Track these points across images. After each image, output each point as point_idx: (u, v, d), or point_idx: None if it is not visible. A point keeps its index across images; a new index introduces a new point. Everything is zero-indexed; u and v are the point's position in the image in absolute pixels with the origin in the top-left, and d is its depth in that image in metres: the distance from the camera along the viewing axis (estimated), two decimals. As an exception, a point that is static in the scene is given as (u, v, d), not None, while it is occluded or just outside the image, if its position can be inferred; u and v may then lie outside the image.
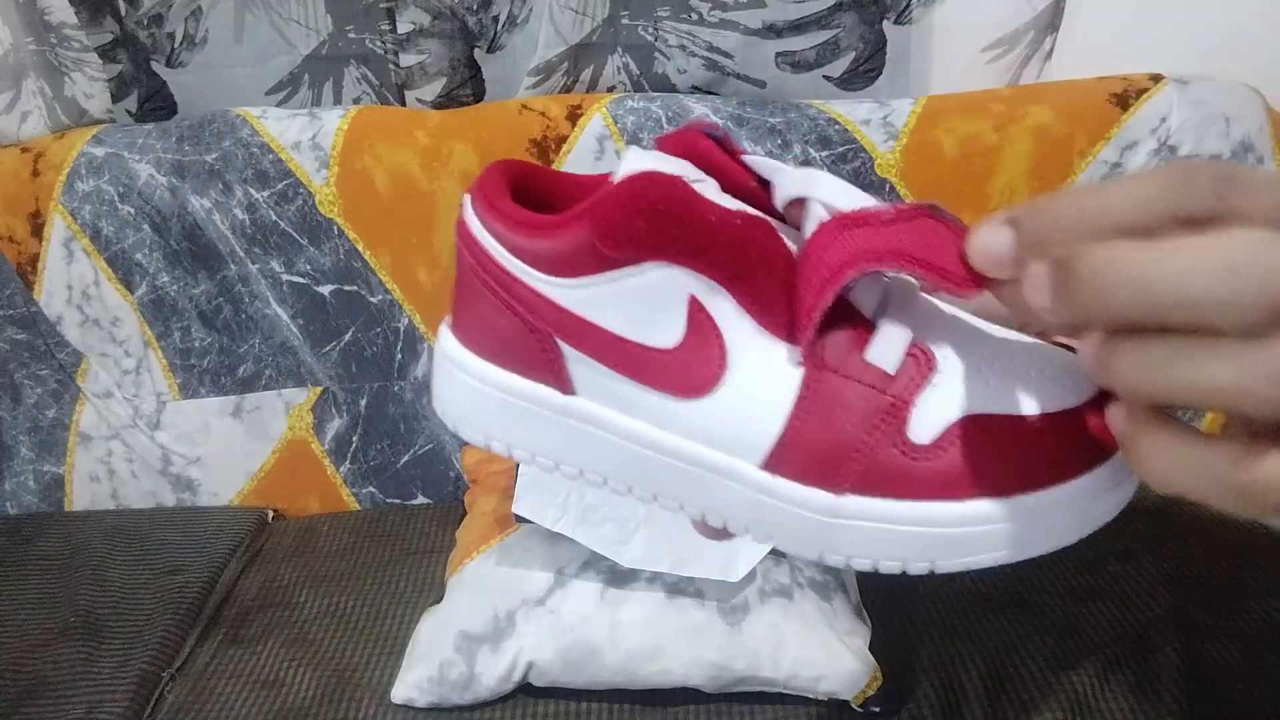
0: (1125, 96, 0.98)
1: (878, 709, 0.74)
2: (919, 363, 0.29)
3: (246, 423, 1.08)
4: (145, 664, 0.83)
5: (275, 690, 0.81)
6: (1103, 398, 0.28)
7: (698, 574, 0.75)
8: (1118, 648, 0.77)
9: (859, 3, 1.00)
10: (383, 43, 1.05)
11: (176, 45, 1.06)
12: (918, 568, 0.28)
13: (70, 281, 1.04)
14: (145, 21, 1.04)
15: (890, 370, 0.28)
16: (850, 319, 0.29)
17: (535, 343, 0.31)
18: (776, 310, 0.29)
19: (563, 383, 0.31)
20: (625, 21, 1.03)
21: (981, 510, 0.28)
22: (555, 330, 0.30)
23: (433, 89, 1.07)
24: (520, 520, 0.80)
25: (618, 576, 0.78)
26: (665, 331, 0.29)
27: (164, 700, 0.81)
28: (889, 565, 0.29)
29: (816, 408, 0.29)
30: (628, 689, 0.76)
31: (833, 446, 0.28)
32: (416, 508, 1.09)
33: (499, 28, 1.05)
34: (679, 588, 0.77)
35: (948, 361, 0.29)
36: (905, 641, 0.80)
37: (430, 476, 1.09)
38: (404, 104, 1.09)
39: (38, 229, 1.03)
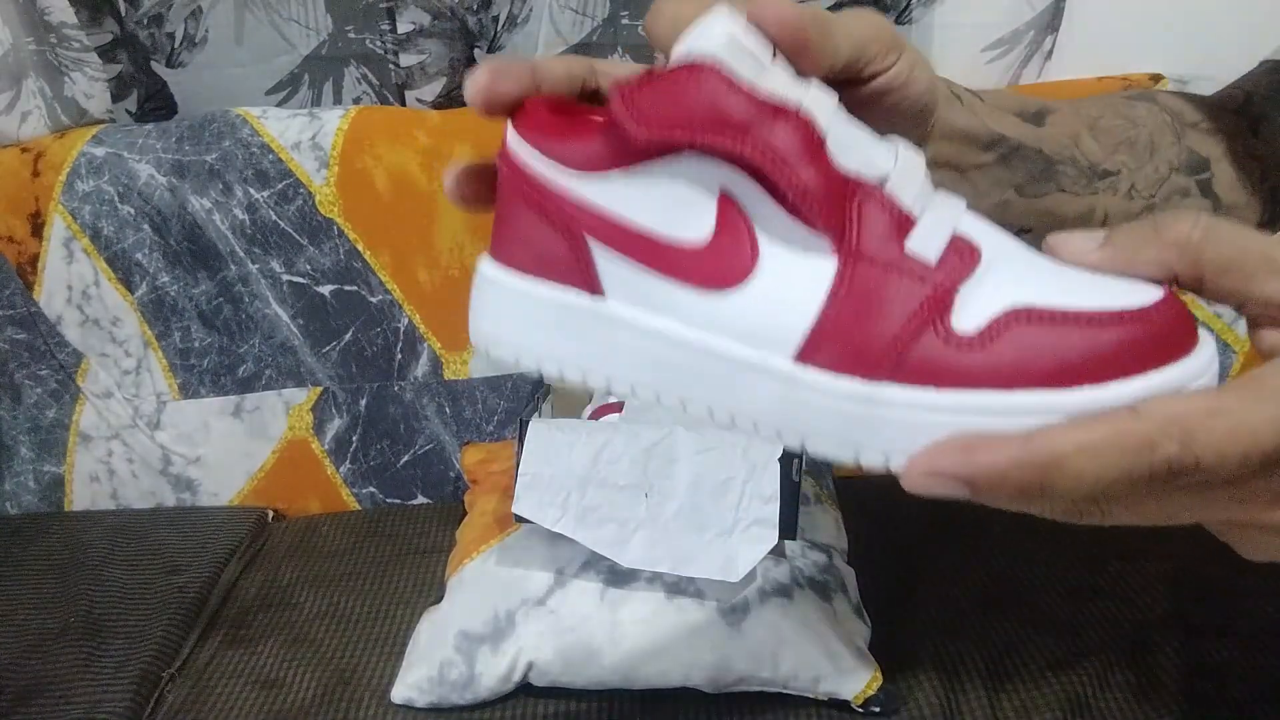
0: (1125, 96, 0.98)
1: (878, 709, 0.74)
2: (962, 254, 0.28)
3: (246, 423, 1.08)
4: (145, 664, 0.83)
5: (275, 690, 0.81)
6: (1173, 299, 0.27)
7: (698, 574, 0.75)
8: (1118, 648, 0.77)
9: (859, 3, 1.00)
10: (383, 43, 1.05)
11: (176, 45, 1.06)
12: None
13: (70, 281, 1.04)
14: (145, 21, 1.04)
15: (931, 260, 0.28)
16: (891, 212, 0.29)
17: (565, 244, 0.31)
18: (810, 201, 0.28)
19: (593, 284, 0.31)
20: (625, 21, 1.03)
21: (1034, 402, 0.26)
22: (585, 228, 0.30)
23: (433, 89, 1.07)
24: (520, 520, 0.80)
25: (618, 576, 0.77)
26: (696, 225, 0.29)
27: (164, 700, 0.81)
28: None
29: (852, 297, 0.28)
30: (627, 689, 0.76)
31: (869, 335, 0.28)
32: (416, 508, 1.09)
33: (499, 28, 1.05)
34: (679, 588, 0.77)
35: (994, 255, 0.29)
36: (905, 641, 0.80)
37: (430, 476, 1.09)
38: (404, 104, 1.09)
39: (38, 229, 1.03)
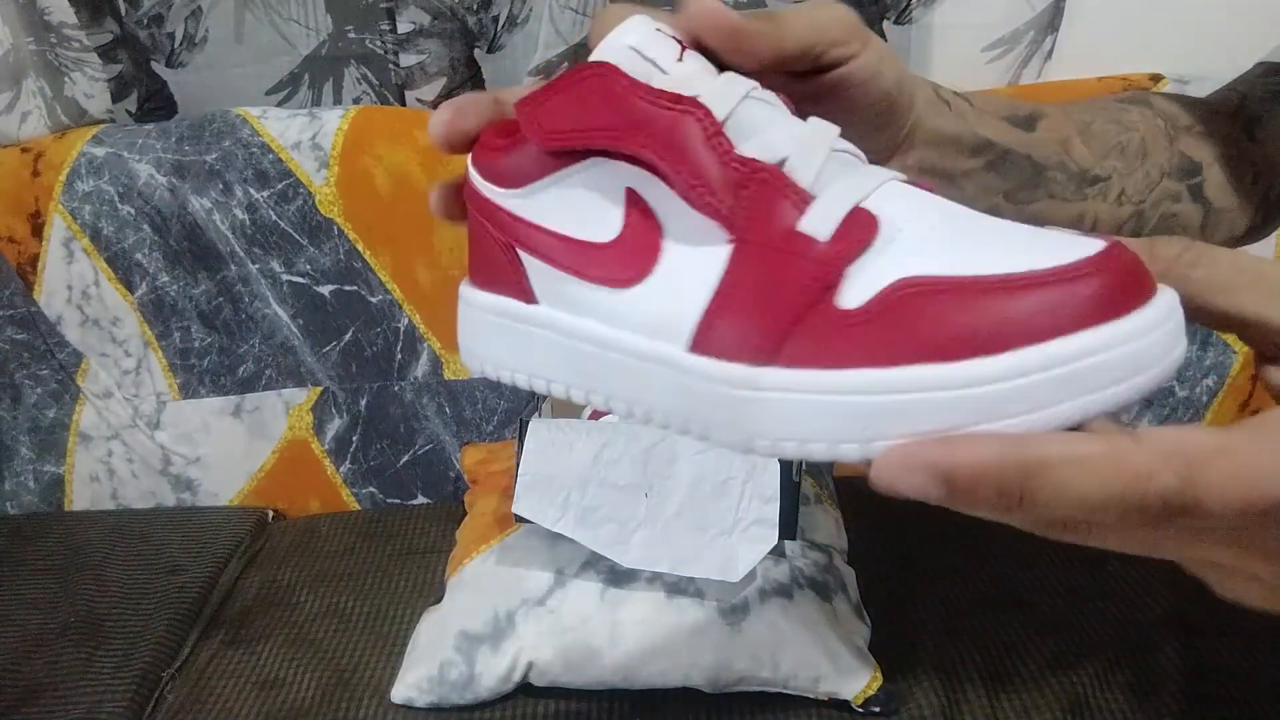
0: (1125, 96, 0.98)
1: (878, 709, 0.74)
2: (857, 227, 0.27)
3: (246, 423, 1.08)
4: (145, 664, 0.83)
5: (275, 690, 0.81)
6: (1117, 249, 0.25)
7: (698, 574, 0.75)
8: (1118, 648, 0.77)
9: (859, 3, 1.00)
10: (383, 43, 1.05)
11: (176, 45, 1.06)
12: (848, 449, 0.26)
13: (70, 281, 1.04)
14: (145, 21, 1.04)
15: (823, 238, 0.27)
16: (786, 193, 0.28)
17: (504, 257, 0.33)
18: (701, 190, 0.28)
19: (526, 293, 0.33)
20: (625, 21, 1.03)
21: (916, 376, 0.24)
22: (515, 240, 0.32)
23: (433, 89, 1.07)
24: (520, 520, 0.80)
25: (618, 576, 0.77)
26: (606, 225, 0.31)
27: (164, 700, 0.81)
28: (816, 448, 0.26)
29: (740, 284, 0.28)
30: (628, 689, 0.76)
31: (754, 320, 0.27)
32: (416, 508, 1.09)
33: (499, 28, 1.05)
34: (679, 588, 0.77)
35: (895, 226, 0.27)
36: (905, 641, 0.80)
37: (430, 476, 1.09)
38: (404, 104, 1.09)
39: (38, 229, 1.03)
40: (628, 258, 0.30)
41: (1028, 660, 0.77)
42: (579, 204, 0.31)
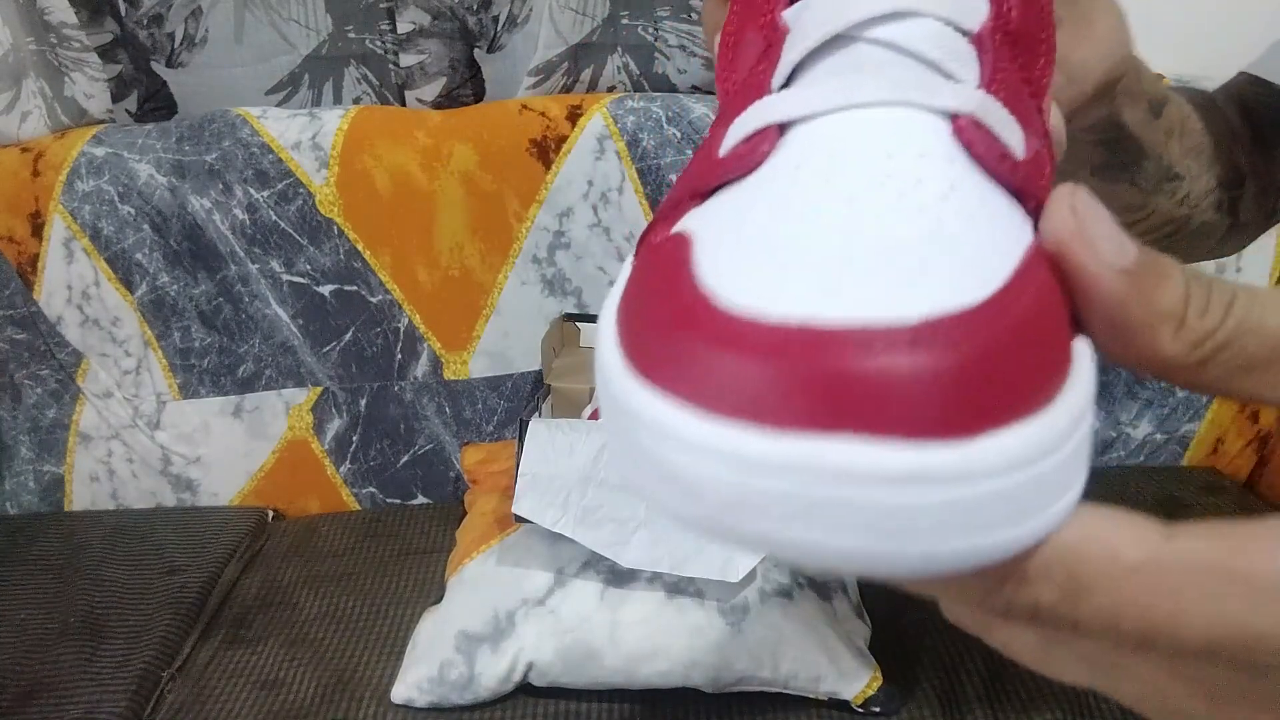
0: (1125, 96, 0.98)
1: (878, 709, 0.74)
2: (743, 154, 0.19)
3: (246, 423, 1.08)
4: (145, 664, 0.83)
5: (275, 690, 0.81)
6: (1032, 275, 0.16)
7: (698, 574, 0.75)
8: (1118, 648, 0.77)
9: None
10: (383, 43, 1.05)
11: (176, 45, 1.06)
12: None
13: (70, 281, 1.04)
14: (145, 21, 1.04)
15: (720, 152, 0.19)
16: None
17: None
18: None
19: None
20: (625, 21, 1.03)
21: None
22: None
23: (433, 89, 1.07)
24: (520, 520, 0.80)
25: (618, 576, 0.77)
26: None
27: (164, 700, 0.81)
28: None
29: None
30: (628, 689, 0.76)
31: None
32: (416, 508, 1.09)
33: (499, 28, 1.05)
34: (679, 588, 0.77)
35: (766, 170, 0.18)
36: (905, 641, 0.80)
37: (430, 476, 1.09)
38: (404, 104, 1.09)
39: (38, 229, 1.03)
40: None
41: (1028, 660, 0.77)
42: None
